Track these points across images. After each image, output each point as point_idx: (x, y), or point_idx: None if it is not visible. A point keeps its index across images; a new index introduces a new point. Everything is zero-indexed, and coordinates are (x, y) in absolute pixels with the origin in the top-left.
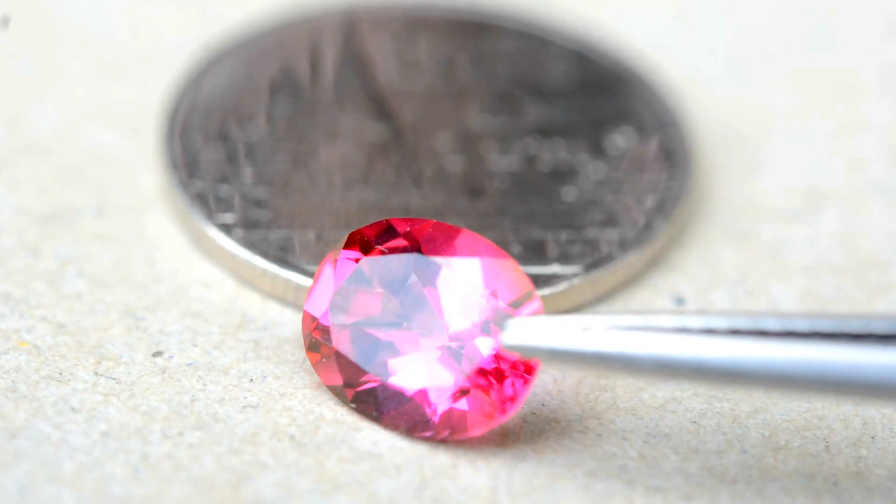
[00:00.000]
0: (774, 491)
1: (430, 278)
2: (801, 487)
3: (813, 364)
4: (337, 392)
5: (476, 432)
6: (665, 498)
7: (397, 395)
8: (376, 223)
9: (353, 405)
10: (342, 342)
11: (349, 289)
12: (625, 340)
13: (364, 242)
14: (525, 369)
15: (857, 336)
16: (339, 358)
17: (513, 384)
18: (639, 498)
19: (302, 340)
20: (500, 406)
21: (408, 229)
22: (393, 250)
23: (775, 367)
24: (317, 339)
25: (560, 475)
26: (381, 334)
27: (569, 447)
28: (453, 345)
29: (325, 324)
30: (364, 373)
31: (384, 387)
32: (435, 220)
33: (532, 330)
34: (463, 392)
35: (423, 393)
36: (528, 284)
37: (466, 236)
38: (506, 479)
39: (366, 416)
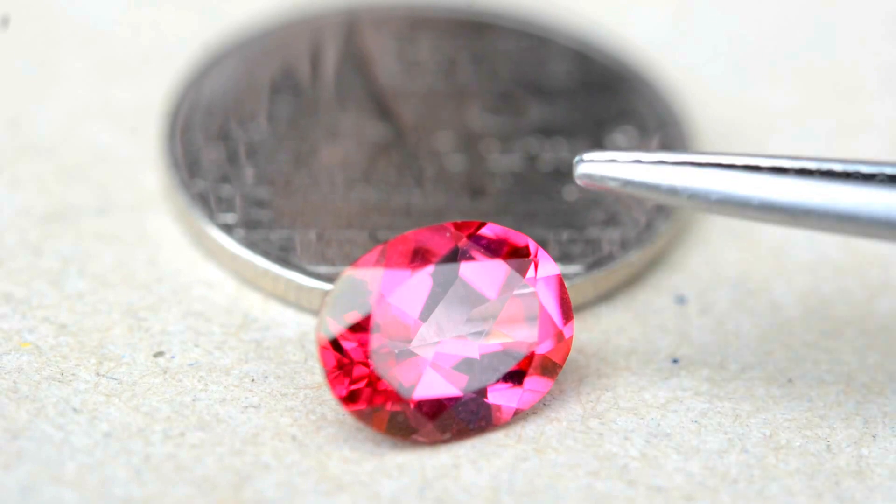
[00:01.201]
0: (776, 490)
1: (446, 283)
2: (802, 487)
3: (876, 205)
4: (397, 427)
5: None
6: (666, 497)
7: (455, 403)
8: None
9: (447, 435)
10: (388, 369)
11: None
12: (696, 175)
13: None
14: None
15: None
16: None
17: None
18: (640, 498)
19: (304, 345)
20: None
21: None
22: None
23: (840, 207)
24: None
25: (561, 475)
26: (413, 347)
27: (570, 447)
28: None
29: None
30: (409, 391)
31: (437, 400)
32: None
33: (605, 162)
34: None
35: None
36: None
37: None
38: (507, 479)
39: (430, 436)
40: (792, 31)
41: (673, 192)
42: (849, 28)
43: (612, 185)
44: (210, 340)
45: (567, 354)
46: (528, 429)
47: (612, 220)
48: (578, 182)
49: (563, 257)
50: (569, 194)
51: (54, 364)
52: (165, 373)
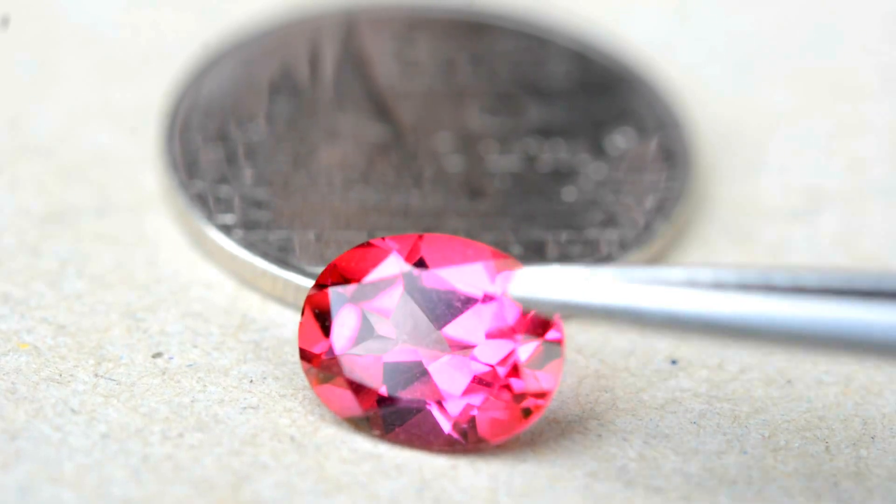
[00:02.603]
0: (774, 491)
1: (420, 290)
2: (801, 488)
3: (821, 320)
4: (357, 421)
5: (494, 440)
6: (665, 498)
7: (417, 412)
8: (350, 253)
9: (377, 432)
10: (353, 370)
11: (344, 318)
12: (633, 293)
13: (339, 272)
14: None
15: (866, 293)
16: (353, 386)
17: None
18: (639, 499)
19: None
20: (517, 412)
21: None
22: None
23: (784, 324)
24: (324, 372)
25: (560, 476)
26: (387, 355)
27: (569, 448)
28: (459, 353)
29: (331, 356)
30: (380, 395)
31: (405, 405)
32: (419, 234)
33: (539, 281)
34: (479, 399)
35: (440, 404)
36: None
37: (453, 242)
38: (506, 480)
39: (393, 439)
40: (792, 32)
41: (608, 312)
42: (848, 28)
43: (544, 307)
44: (208, 341)
45: (544, 406)
46: (526, 430)
47: (610, 221)
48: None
49: (561, 258)
50: (567, 195)
51: (53, 365)
52: (164, 373)
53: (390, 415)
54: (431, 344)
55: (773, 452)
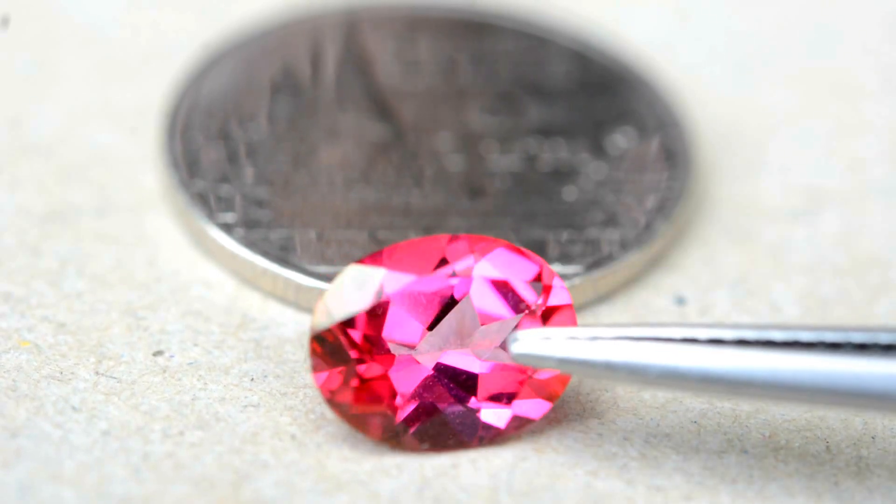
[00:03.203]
0: (775, 491)
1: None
2: (801, 487)
3: (818, 374)
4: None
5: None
6: (666, 497)
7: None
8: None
9: (426, 445)
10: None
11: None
12: (633, 350)
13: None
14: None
15: (861, 346)
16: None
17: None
18: (640, 497)
19: (304, 345)
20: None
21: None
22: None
23: (781, 378)
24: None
25: (561, 474)
26: (417, 357)
27: (570, 447)
28: (483, 353)
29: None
30: (408, 399)
31: (436, 409)
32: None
33: (540, 341)
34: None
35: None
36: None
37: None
38: (506, 479)
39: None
40: (791, 32)
41: (610, 368)
42: (848, 29)
43: (548, 364)
44: (209, 339)
45: (566, 383)
46: (528, 428)
47: (611, 221)
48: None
49: (562, 258)
50: (568, 195)
51: (53, 363)
52: (164, 372)
53: (445, 425)
54: (475, 345)
55: (773, 452)
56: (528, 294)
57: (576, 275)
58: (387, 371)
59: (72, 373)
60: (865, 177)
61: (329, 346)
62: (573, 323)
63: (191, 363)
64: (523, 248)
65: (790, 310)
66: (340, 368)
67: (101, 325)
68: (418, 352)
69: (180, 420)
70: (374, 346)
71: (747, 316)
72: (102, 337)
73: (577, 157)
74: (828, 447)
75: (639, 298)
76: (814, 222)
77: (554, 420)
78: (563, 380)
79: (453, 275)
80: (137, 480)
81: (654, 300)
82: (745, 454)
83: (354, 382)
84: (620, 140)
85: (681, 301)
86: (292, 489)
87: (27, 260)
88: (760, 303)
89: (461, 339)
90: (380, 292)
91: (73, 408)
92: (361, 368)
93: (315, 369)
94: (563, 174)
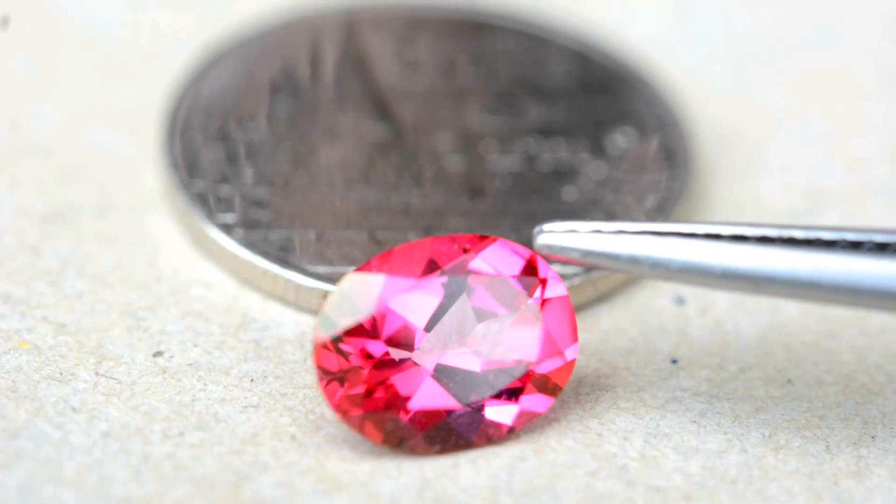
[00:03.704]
0: (775, 491)
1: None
2: (801, 487)
3: (838, 272)
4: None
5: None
6: (665, 497)
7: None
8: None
9: (437, 447)
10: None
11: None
12: (657, 244)
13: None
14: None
15: (882, 245)
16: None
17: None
18: (639, 498)
19: (303, 345)
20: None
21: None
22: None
23: (802, 274)
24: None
25: (560, 475)
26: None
27: (569, 447)
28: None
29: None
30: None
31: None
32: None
33: (566, 234)
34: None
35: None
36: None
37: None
38: (506, 479)
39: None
40: (791, 32)
41: (634, 261)
42: (848, 28)
43: (572, 255)
44: (209, 340)
45: (569, 376)
46: (527, 429)
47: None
48: (538, 252)
49: None
50: (568, 195)
51: (53, 364)
52: (164, 372)
53: (451, 426)
54: (476, 345)
55: (773, 452)
56: (523, 288)
57: (575, 275)
58: (390, 376)
59: (72, 374)
60: (865, 176)
61: (333, 356)
62: (569, 316)
63: (191, 364)
64: (516, 243)
65: (790, 309)
66: (345, 377)
67: (101, 326)
68: (418, 354)
69: (180, 421)
70: (376, 352)
71: (747, 315)
72: (102, 338)
73: (577, 156)
74: (827, 447)
75: (638, 299)
76: (814, 222)
77: (554, 420)
78: (564, 373)
79: (448, 275)
80: (137, 481)
81: (653, 300)
82: (745, 454)
83: (360, 390)
84: (620, 140)
85: (680, 301)
86: (292, 490)
87: (27, 260)
88: (760, 302)
89: (460, 338)
90: (379, 299)
91: (73, 409)
92: (365, 375)
93: (321, 379)
94: (563, 174)
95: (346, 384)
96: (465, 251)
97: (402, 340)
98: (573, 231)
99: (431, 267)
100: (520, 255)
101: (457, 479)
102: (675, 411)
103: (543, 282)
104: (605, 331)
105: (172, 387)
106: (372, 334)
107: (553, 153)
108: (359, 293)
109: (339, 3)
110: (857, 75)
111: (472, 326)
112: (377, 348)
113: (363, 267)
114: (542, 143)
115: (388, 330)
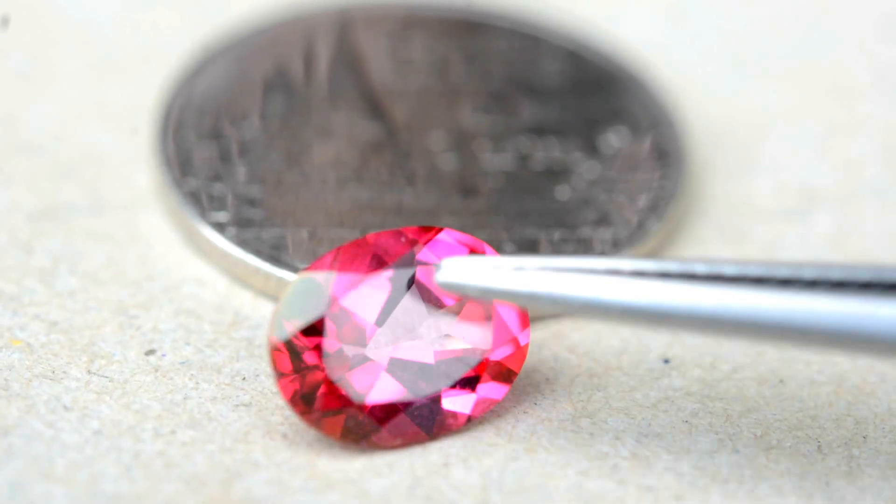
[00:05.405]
0: (766, 490)
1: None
2: (792, 487)
3: (739, 308)
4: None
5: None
6: (657, 497)
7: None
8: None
9: (398, 441)
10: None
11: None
12: (556, 281)
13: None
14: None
15: (784, 281)
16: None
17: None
18: (630, 497)
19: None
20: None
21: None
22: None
23: (702, 310)
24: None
25: (552, 474)
26: (368, 352)
27: (561, 446)
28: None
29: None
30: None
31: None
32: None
33: (465, 269)
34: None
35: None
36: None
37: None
38: (497, 478)
39: (378, 443)
40: (786, 32)
41: (533, 298)
42: (843, 29)
43: (471, 292)
44: (201, 338)
45: (522, 361)
46: (519, 428)
47: (603, 220)
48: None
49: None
50: (561, 194)
51: (45, 362)
52: (156, 371)
53: (410, 418)
54: (427, 336)
55: (765, 451)
56: None
57: None
58: (344, 373)
59: (64, 372)
60: (858, 177)
61: (288, 356)
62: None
63: (183, 362)
64: (461, 233)
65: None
66: (301, 375)
67: (94, 324)
68: (371, 349)
69: (172, 419)
70: (330, 349)
71: None
72: (94, 336)
73: (570, 156)
74: (819, 447)
75: None
76: (807, 222)
77: (546, 419)
78: (518, 358)
79: (395, 269)
80: (128, 479)
81: None
82: (737, 454)
83: (316, 388)
84: (613, 139)
85: None
86: (283, 488)
87: (19, 258)
88: None
89: (412, 331)
90: (329, 297)
91: (65, 407)
92: (321, 373)
93: (278, 379)
94: (556, 173)
95: (302, 383)
96: (411, 244)
97: (355, 337)
98: (472, 268)
99: (379, 262)
100: (465, 245)
101: (448, 478)
102: (666, 411)
103: None
104: (597, 330)
105: (164, 385)
106: (324, 332)
107: (546, 152)
108: (309, 293)
109: (333, 2)
110: (851, 76)
111: (423, 318)
112: (330, 346)
113: (312, 266)
114: (536, 143)
115: (339, 327)
